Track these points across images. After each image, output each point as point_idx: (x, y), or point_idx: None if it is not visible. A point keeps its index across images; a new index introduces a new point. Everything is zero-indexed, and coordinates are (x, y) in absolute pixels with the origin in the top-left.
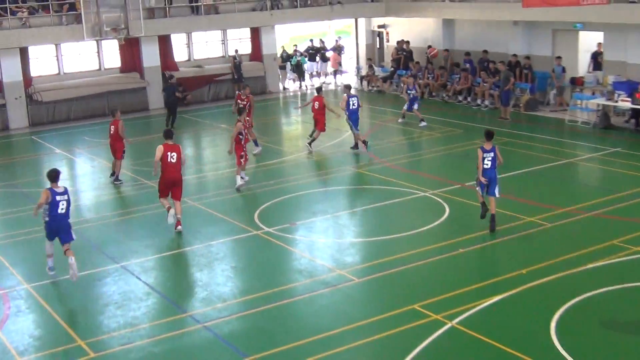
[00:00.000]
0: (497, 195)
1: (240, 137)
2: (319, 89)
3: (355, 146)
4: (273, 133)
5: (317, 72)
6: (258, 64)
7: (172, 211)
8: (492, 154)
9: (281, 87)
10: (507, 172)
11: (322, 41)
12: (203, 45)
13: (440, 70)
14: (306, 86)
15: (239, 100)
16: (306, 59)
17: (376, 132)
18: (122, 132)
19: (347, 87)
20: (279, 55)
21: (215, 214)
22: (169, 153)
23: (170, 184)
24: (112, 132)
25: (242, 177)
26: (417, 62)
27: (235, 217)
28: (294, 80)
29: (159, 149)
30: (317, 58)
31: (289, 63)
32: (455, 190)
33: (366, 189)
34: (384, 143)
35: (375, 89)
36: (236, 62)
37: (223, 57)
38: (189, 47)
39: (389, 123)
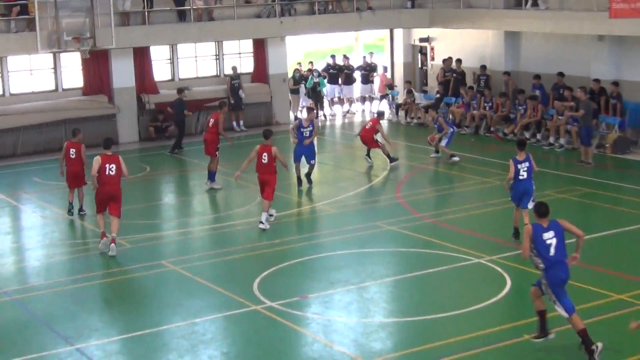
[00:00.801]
0: (529, 207)
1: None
2: (380, 113)
3: (307, 179)
4: (280, 177)
5: (339, 97)
6: (262, 86)
7: (105, 240)
8: (527, 164)
9: (292, 117)
10: (588, 233)
11: (346, 58)
12: (191, 62)
13: (501, 98)
14: (325, 116)
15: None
16: (325, 80)
17: (415, 178)
18: (85, 158)
19: (310, 110)
20: (290, 75)
21: (203, 282)
22: (107, 165)
23: (107, 198)
24: (73, 157)
25: (270, 215)
26: (471, 88)
27: (228, 287)
28: (308, 108)
29: (96, 161)
30: (340, 80)
31: (302, 86)
32: (520, 257)
33: (402, 253)
34: (426, 192)
35: (415, 121)
36: (234, 84)
37: (217, 76)
38: (173, 63)
39: (432, 166)
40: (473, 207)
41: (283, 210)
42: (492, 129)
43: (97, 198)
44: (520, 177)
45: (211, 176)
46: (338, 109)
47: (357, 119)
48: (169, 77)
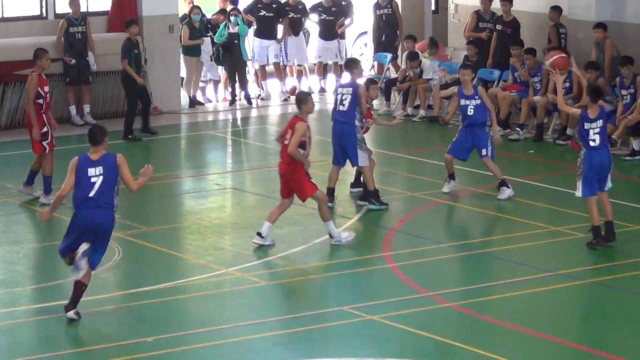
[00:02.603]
0: (608, 187)
1: None
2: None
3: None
4: (167, 217)
5: (276, 64)
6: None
7: None
8: (600, 123)
9: (186, 100)
10: None
11: None
12: None
13: (589, 72)
14: (249, 98)
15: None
16: (248, 27)
17: (420, 223)
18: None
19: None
20: (182, 21)
21: None
22: None
23: None
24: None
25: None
26: (530, 52)
27: None
28: (216, 83)
29: None
30: (281, 31)
31: (208, 39)
32: None
33: None
34: (441, 251)
35: (422, 112)
36: (75, 34)
37: (42, 18)
38: None
39: (454, 202)
40: (530, 282)
41: (161, 280)
42: (569, 131)
43: None
44: (591, 143)
45: (30, 178)
46: (274, 86)
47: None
48: None
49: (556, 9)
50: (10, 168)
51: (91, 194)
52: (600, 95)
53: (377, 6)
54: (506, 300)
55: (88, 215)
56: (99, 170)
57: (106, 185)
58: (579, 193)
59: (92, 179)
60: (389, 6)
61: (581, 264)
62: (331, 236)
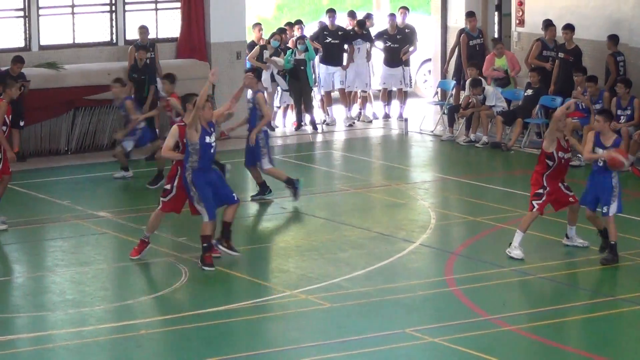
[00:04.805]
0: (611, 213)
1: None
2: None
3: (261, 191)
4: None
5: (341, 90)
6: (197, 66)
7: None
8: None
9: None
10: None
11: (353, 18)
12: (65, 17)
13: None
14: (314, 123)
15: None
16: (316, 53)
17: (482, 247)
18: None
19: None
20: (255, 45)
21: None
22: None
23: None
24: None
25: None
26: (592, 79)
27: None
28: (285, 108)
29: None
30: (345, 58)
31: (275, 63)
32: None
33: None
34: (504, 274)
35: (485, 139)
36: (144, 59)
37: (112, 44)
38: (28, 18)
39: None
40: (592, 306)
41: (227, 301)
42: (630, 157)
43: None
44: (599, 163)
45: None
46: (339, 112)
47: (375, 131)
48: (21, 44)
49: (612, 38)
50: (80, 191)
51: None
52: (610, 118)
53: (469, 37)
54: (568, 324)
55: None
56: None
57: None
58: (615, 210)
59: None
60: (480, 36)
61: None
62: (510, 244)
